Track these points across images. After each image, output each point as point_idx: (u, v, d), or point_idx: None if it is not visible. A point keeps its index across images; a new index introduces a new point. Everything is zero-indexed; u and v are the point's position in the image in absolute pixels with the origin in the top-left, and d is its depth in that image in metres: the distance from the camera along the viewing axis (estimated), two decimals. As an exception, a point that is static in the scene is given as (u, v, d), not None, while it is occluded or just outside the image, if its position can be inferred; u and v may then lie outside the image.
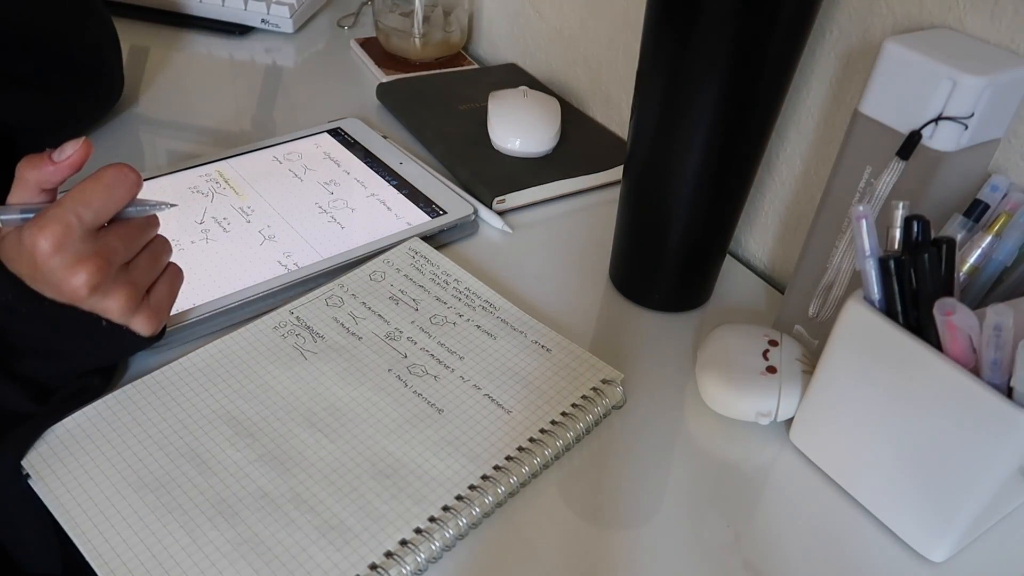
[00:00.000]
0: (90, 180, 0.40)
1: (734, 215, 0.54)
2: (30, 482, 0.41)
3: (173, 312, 0.50)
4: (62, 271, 0.39)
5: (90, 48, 0.66)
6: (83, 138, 0.40)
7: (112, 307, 0.42)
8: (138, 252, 0.43)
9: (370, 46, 0.89)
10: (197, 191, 0.62)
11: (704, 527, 0.43)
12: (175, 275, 0.47)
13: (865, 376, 0.41)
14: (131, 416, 0.44)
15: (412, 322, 0.52)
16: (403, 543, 0.39)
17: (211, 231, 0.58)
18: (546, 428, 0.46)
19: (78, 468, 0.42)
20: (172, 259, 0.47)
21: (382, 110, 0.78)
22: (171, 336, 0.49)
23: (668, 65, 0.46)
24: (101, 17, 0.68)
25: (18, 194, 0.41)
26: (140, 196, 0.42)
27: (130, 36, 0.87)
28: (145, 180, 0.61)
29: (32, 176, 0.40)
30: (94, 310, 0.42)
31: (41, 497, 0.41)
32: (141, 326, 0.44)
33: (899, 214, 0.39)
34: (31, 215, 0.39)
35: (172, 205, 0.44)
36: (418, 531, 0.40)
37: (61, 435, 0.43)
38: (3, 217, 0.40)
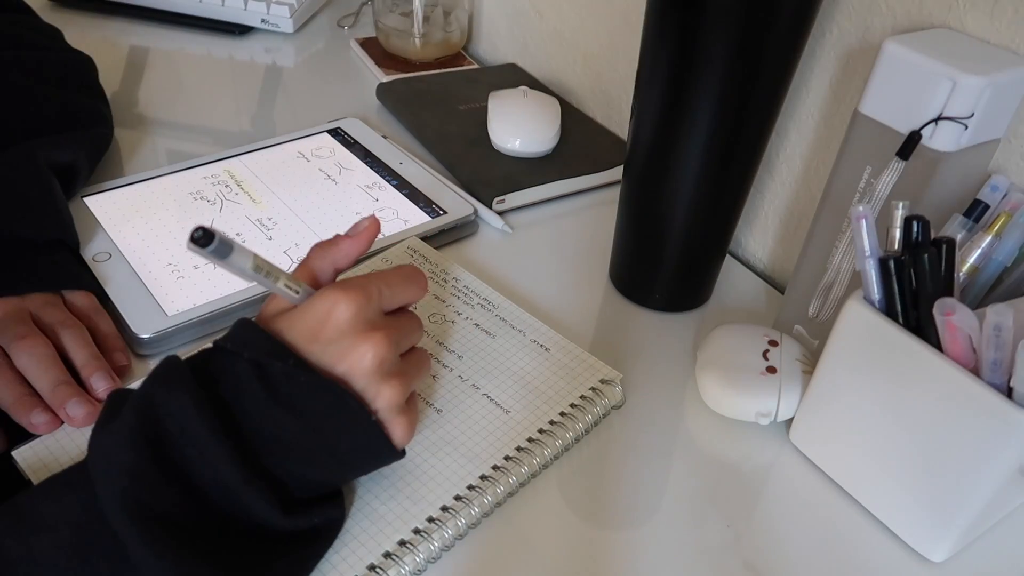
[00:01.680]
0: (391, 269, 0.41)
1: (734, 215, 0.54)
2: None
3: (173, 312, 0.50)
4: (350, 339, 0.36)
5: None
6: (372, 215, 0.41)
7: (387, 394, 0.37)
8: (408, 350, 0.41)
9: (370, 46, 0.89)
10: (201, 197, 0.61)
11: (704, 527, 0.43)
12: (417, 397, 0.44)
13: (865, 376, 0.41)
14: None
15: (411, 322, 0.52)
16: (402, 543, 0.39)
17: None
18: (545, 428, 0.46)
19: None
20: None
21: (382, 110, 0.78)
22: (171, 336, 0.49)
23: (668, 65, 0.46)
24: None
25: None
26: None
27: (130, 36, 0.87)
28: (145, 180, 0.62)
29: (324, 260, 0.40)
30: (365, 394, 0.37)
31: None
32: (399, 431, 0.39)
33: (899, 214, 0.39)
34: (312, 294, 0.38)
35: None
36: (417, 531, 0.40)
37: (60, 438, 0.43)
38: (293, 295, 0.38)
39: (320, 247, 0.40)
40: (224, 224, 0.58)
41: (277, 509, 0.35)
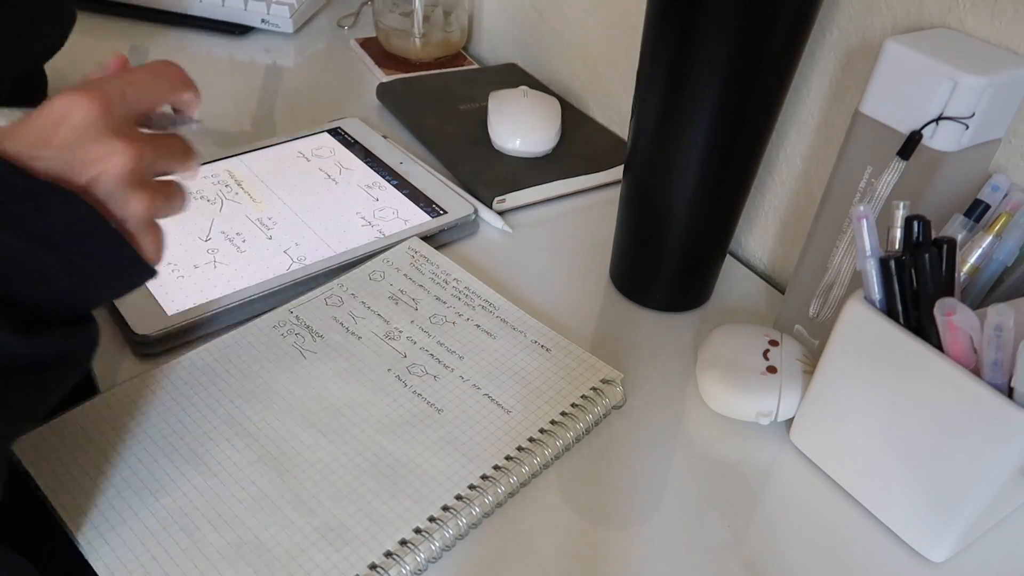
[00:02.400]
0: (138, 67, 0.35)
1: (734, 215, 0.54)
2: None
3: (173, 312, 0.50)
4: (90, 145, 0.32)
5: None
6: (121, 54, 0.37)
7: (136, 207, 0.34)
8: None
9: (370, 46, 0.89)
10: (201, 196, 0.61)
11: (704, 527, 0.43)
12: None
13: (866, 376, 0.41)
14: (130, 416, 0.44)
15: (411, 321, 0.52)
16: (403, 543, 0.39)
17: (220, 250, 0.56)
18: (546, 428, 0.46)
19: (77, 468, 0.42)
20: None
21: (382, 110, 0.78)
22: (171, 336, 0.49)
23: (668, 65, 0.46)
24: None
25: None
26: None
27: (130, 36, 0.87)
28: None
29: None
30: (108, 203, 0.33)
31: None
32: (150, 245, 0.35)
33: (900, 214, 0.39)
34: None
35: (198, 121, 0.38)
36: (418, 531, 0.40)
37: (60, 434, 0.43)
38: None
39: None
40: (224, 223, 0.58)
41: (11, 333, 0.31)
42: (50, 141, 0.32)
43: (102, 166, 0.32)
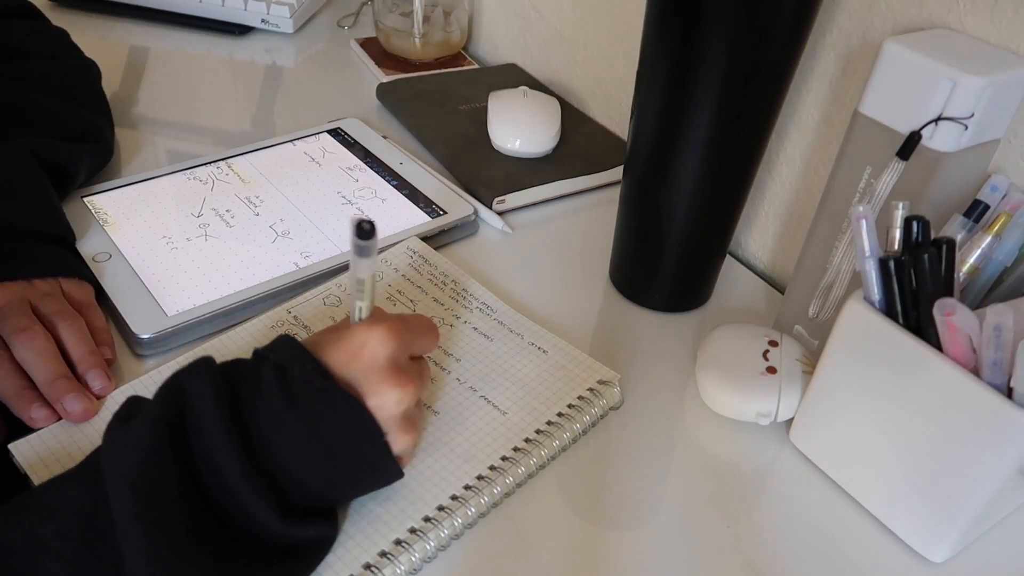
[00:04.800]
0: (413, 316, 0.42)
1: (734, 215, 0.53)
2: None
3: (173, 312, 0.50)
4: (382, 378, 0.37)
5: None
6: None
7: (402, 441, 0.39)
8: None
9: (370, 46, 0.89)
10: (195, 178, 0.63)
11: (704, 527, 0.43)
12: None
13: (865, 376, 0.41)
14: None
15: (410, 322, 0.52)
16: (397, 543, 0.39)
17: (211, 225, 0.58)
18: (542, 429, 0.45)
19: (74, 467, 0.42)
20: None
21: (382, 110, 0.78)
22: (171, 336, 0.49)
23: (668, 65, 0.46)
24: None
25: None
26: None
27: (130, 36, 0.88)
28: (145, 180, 0.62)
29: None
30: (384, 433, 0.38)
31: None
32: (404, 460, 0.42)
33: (899, 214, 0.39)
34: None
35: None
36: (413, 531, 0.40)
37: (59, 435, 0.43)
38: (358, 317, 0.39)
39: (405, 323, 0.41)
40: (215, 202, 0.60)
41: (275, 513, 0.35)
42: (352, 362, 0.37)
43: (387, 400, 0.38)
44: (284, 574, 0.36)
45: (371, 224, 0.34)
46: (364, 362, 0.37)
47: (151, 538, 0.32)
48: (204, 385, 0.35)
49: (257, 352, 0.38)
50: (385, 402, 0.37)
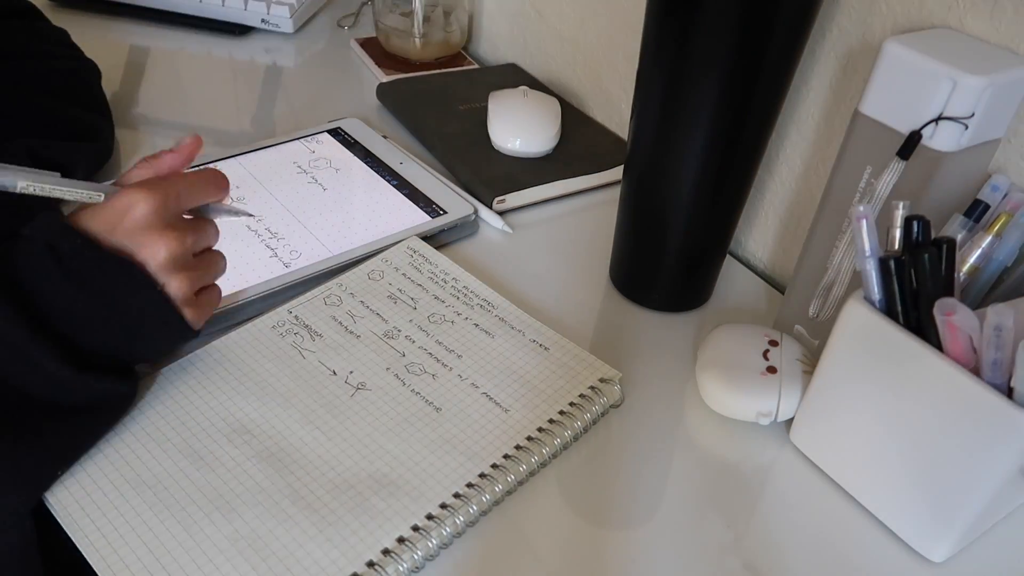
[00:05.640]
0: (194, 171, 0.45)
1: (734, 215, 0.54)
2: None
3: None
4: (146, 234, 0.41)
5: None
6: (195, 135, 0.46)
7: (175, 287, 0.42)
8: (201, 251, 0.46)
9: (370, 46, 0.89)
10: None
11: (704, 527, 0.43)
12: (218, 288, 0.48)
13: (865, 376, 0.41)
14: (128, 414, 0.44)
15: (410, 321, 0.52)
16: (400, 541, 0.39)
17: None
18: (544, 427, 0.46)
19: (76, 466, 0.41)
20: None
21: (382, 110, 0.78)
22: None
23: (668, 65, 0.46)
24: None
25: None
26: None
27: (130, 36, 0.87)
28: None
29: (146, 171, 0.43)
30: (159, 282, 0.42)
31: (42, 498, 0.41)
32: (191, 317, 0.44)
33: (899, 214, 0.39)
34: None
35: (250, 215, 0.47)
36: (415, 529, 0.40)
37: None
38: (98, 197, 0.41)
39: (145, 160, 0.44)
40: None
41: (68, 366, 0.39)
42: (116, 229, 0.41)
43: (153, 254, 0.41)
44: (81, 426, 0.41)
45: None
46: (128, 223, 0.40)
47: None
48: None
49: (26, 234, 0.40)
50: (153, 253, 0.41)
